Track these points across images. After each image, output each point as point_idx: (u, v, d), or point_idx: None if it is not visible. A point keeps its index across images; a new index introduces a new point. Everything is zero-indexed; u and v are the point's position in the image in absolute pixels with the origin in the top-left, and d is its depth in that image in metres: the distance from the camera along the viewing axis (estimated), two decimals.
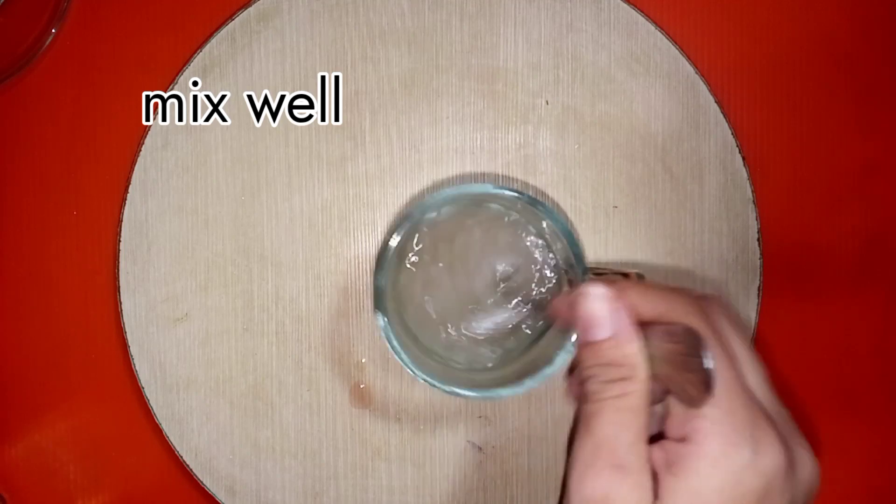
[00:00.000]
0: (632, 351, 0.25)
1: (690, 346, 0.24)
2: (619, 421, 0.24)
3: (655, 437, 0.26)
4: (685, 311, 0.25)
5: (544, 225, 0.35)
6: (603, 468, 0.24)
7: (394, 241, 0.34)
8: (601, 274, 0.35)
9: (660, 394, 0.26)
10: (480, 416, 0.39)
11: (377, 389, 0.40)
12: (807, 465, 0.25)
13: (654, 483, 0.24)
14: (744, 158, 0.39)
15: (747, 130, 0.40)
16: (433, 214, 0.36)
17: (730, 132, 0.39)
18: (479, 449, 0.40)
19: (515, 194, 0.34)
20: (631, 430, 0.24)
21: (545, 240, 0.36)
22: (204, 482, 0.40)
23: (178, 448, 0.40)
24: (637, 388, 0.24)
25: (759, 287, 0.40)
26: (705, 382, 0.23)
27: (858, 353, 0.41)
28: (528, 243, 0.36)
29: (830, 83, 0.41)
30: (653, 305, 0.26)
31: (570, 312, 0.27)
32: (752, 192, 0.40)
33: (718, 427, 0.23)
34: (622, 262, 0.40)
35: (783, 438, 0.24)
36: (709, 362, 0.23)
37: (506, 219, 0.36)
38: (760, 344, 0.40)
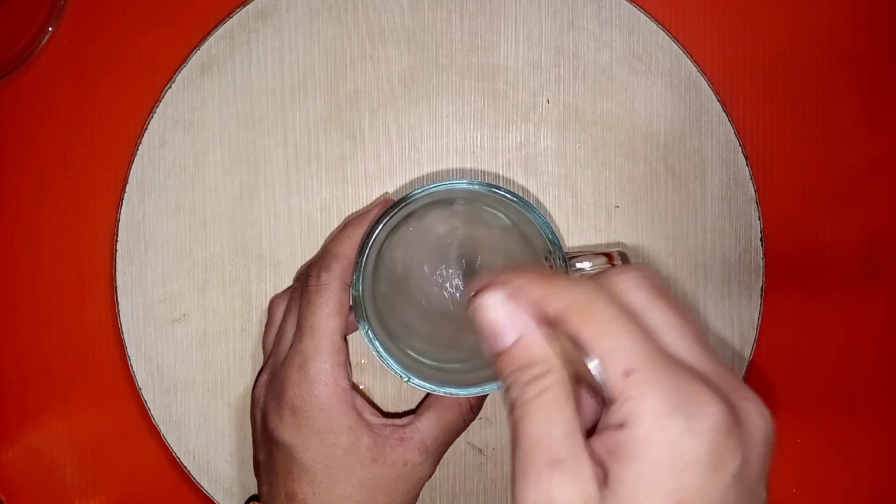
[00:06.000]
0: (539, 349, 0.24)
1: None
2: (545, 418, 0.23)
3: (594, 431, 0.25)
4: (584, 301, 0.24)
5: (519, 215, 0.35)
6: (541, 469, 0.23)
7: (368, 246, 0.34)
8: (576, 257, 0.34)
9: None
10: (481, 418, 0.39)
11: (377, 390, 0.39)
12: (754, 416, 0.23)
13: (600, 473, 0.23)
14: (746, 157, 0.39)
15: (750, 129, 0.40)
16: (409, 212, 0.35)
17: (732, 131, 0.39)
18: (480, 451, 0.40)
19: (486, 189, 0.34)
20: (559, 424, 0.23)
21: (521, 230, 0.36)
22: (202, 484, 0.40)
23: (175, 450, 0.39)
24: (554, 380, 0.24)
25: (761, 287, 0.39)
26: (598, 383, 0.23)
27: (862, 353, 0.41)
28: (505, 235, 0.36)
29: (834, 81, 0.41)
30: (556, 299, 0.24)
31: (476, 325, 0.26)
32: (755, 191, 0.39)
33: (647, 402, 0.22)
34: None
35: (721, 394, 0.23)
36: (593, 367, 0.23)
37: (480, 214, 0.36)
38: (763, 344, 0.40)
